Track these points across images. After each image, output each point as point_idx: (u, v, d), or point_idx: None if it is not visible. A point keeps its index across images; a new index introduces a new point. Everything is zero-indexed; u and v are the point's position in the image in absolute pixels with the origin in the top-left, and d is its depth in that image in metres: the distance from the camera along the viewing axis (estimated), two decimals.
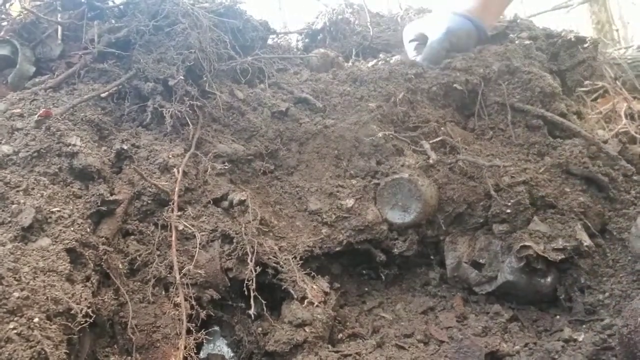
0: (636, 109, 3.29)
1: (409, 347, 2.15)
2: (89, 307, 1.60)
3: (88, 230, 1.85)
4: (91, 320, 1.60)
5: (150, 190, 2.18)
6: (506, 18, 4.13)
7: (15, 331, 1.34)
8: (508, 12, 4.78)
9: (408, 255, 2.64)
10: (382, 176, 2.66)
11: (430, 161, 2.70)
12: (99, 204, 1.97)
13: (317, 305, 2.12)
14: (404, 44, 3.41)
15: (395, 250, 2.58)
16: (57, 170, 1.98)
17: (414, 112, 3.03)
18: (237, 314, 2.24)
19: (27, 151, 1.96)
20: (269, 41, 3.71)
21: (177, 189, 2.17)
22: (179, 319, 1.87)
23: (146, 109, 2.48)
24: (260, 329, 2.14)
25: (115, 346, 1.82)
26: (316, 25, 4.17)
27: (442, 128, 2.94)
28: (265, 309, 2.06)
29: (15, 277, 1.44)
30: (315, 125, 2.80)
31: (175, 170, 2.26)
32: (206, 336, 1.91)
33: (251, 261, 2.09)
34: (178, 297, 1.90)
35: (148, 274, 2.00)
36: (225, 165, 2.48)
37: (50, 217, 1.75)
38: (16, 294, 1.40)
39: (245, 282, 2.07)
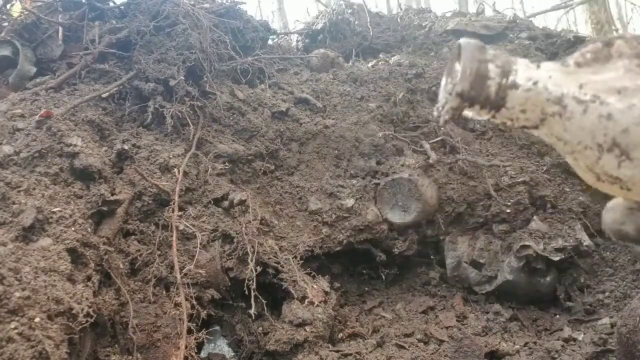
0: None
1: (409, 347, 2.16)
2: (90, 307, 1.60)
3: (89, 230, 1.86)
4: (92, 320, 1.60)
5: (151, 190, 2.18)
6: (506, 18, 4.14)
7: (16, 331, 1.35)
8: (508, 11, 4.79)
9: (408, 255, 2.65)
10: (382, 176, 2.67)
11: (430, 161, 2.71)
12: (99, 204, 1.97)
13: (317, 305, 2.12)
14: None
15: (396, 250, 2.59)
16: (58, 170, 1.98)
17: (414, 112, 3.04)
18: (237, 313, 2.24)
19: (28, 151, 1.96)
20: (269, 41, 3.72)
21: (177, 189, 2.18)
22: (179, 319, 1.87)
23: (147, 109, 2.49)
24: (260, 328, 2.15)
25: (116, 346, 1.82)
26: (316, 25, 4.18)
27: (442, 128, 2.95)
28: (265, 308, 2.07)
29: (16, 277, 1.45)
30: (315, 126, 2.80)
31: (175, 170, 2.27)
32: (207, 336, 1.91)
33: (251, 261, 2.09)
34: (179, 296, 1.91)
35: (149, 274, 2.00)
36: (226, 166, 2.48)
37: (51, 217, 1.76)
38: (17, 294, 1.40)
39: (246, 281, 2.07)
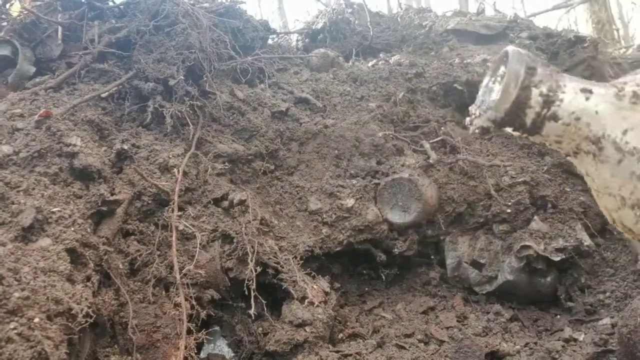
0: None
1: (410, 347, 2.15)
2: (89, 307, 1.60)
3: (88, 230, 1.85)
4: (91, 320, 1.59)
5: (150, 190, 2.18)
6: (506, 18, 4.13)
7: (15, 331, 1.34)
8: (508, 11, 4.79)
9: (408, 255, 2.65)
10: (382, 176, 2.67)
11: (431, 161, 2.70)
12: (99, 204, 1.96)
13: (317, 305, 2.12)
14: None
15: (396, 250, 2.59)
16: (57, 170, 1.98)
17: (414, 112, 3.03)
18: (237, 314, 2.24)
19: (28, 151, 1.96)
20: (269, 41, 3.72)
21: (177, 189, 2.17)
22: (179, 319, 1.87)
23: (146, 109, 2.48)
24: (260, 329, 2.14)
25: (116, 346, 1.82)
26: (316, 25, 4.17)
27: (442, 128, 2.95)
28: (265, 309, 2.06)
29: (15, 277, 1.44)
30: (315, 125, 2.80)
31: (175, 170, 2.26)
32: (206, 336, 1.91)
33: (251, 261, 2.09)
34: (178, 297, 1.90)
35: (148, 274, 2.00)
36: (226, 165, 2.48)
37: (50, 217, 1.75)
38: (17, 294, 1.40)
39: (246, 282, 2.07)
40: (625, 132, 0.65)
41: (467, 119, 0.73)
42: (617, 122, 0.66)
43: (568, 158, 0.72)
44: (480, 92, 0.73)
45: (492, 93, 0.70)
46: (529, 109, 0.67)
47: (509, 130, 0.71)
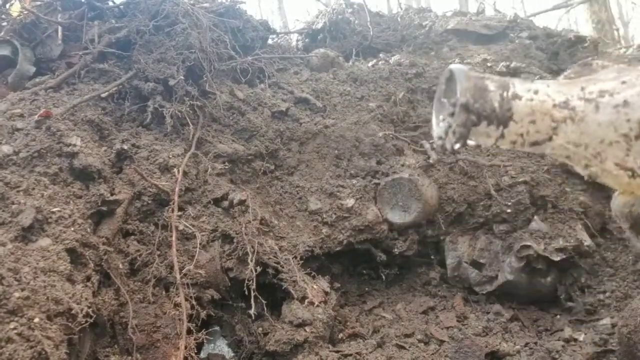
0: None
1: (410, 347, 2.15)
2: (89, 307, 1.60)
3: (88, 230, 1.85)
4: (91, 320, 1.60)
5: (150, 190, 2.18)
6: (506, 17, 4.13)
7: (15, 331, 1.34)
8: (508, 11, 4.79)
9: (408, 255, 2.65)
10: (382, 176, 2.67)
11: (431, 161, 2.70)
12: (99, 204, 1.97)
13: (317, 305, 2.11)
14: None
15: (396, 250, 2.59)
16: (57, 170, 1.98)
17: (414, 112, 3.04)
18: (237, 313, 2.24)
19: (28, 151, 1.95)
20: (269, 41, 3.72)
21: (177, 189, 2.17)
22: (179, 319, 1.87)
23: (146, 109, 2.48)
24: (260, 328, 2.14)
25: (116, 346, 1.82)
26: (316, 25, 4.17)
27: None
28: (265, 309, 2.06)
29: (15, 277, 1.44)
30: (315, 125, 2.80)
31: (175, 170, 2.26)
32: (206, 336, 1.91)
33: (251, 261, 2.09)
34: (178, 297, 1.90)
35: (148, 274, 2.00)
36: (226, 165, 2.48)
37: (50, 217, 1.75)
38: (17, 294, 1.40)
39: (246, 282, 2.07)
40: (582, 89, 0.71)
41: (438, 142, 0.78)
42: (570, 88, 0.72)
43: (549, 149, 0.75)
44: (434, 130, 0.79)
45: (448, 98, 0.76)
46: (490, 92, 0.72)
47: (484, 133, 0.74)
